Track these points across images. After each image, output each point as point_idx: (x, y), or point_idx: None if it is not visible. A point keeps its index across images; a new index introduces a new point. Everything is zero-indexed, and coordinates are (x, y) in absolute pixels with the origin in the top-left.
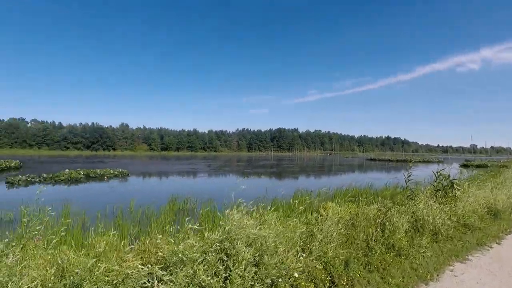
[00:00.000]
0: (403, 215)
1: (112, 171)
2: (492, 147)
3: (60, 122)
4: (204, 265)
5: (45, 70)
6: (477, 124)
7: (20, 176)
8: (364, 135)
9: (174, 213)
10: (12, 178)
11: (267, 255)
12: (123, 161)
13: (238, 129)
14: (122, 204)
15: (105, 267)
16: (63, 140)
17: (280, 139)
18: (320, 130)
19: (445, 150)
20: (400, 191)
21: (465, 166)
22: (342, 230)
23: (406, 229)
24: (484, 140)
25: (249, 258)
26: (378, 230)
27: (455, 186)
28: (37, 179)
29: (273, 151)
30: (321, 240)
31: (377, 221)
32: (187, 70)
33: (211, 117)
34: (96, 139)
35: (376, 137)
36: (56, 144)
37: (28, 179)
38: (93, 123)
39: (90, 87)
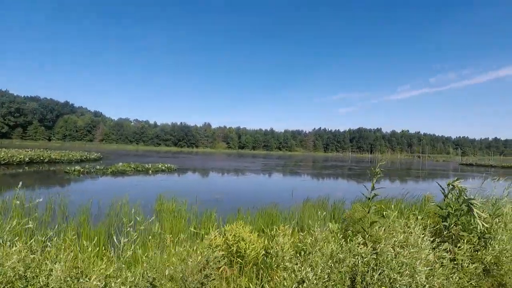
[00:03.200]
0: (316, 256)
1: (160, 166)
2: None
3: (155, 122)
4: None
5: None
6: None
7: (76, 167)
8: (464, 137)
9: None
10: (69, 168)
11: None
12: (194, 157)
13: (314, 128)
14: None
15: None
16: (156, 138)
17: (360, 140)
18: (408, 130)
19: None
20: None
21: None
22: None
23: None
24: None
25: None
26: None
27: (474, 210)
28: (91, 170)
29: (351, 152)
30: None
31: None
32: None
33: (290, 117)
34: (182, 137)
35: (480, 139)
36: (150, 141)
37: (82, 169)
38: (181, 123)
39: (180, 89)
